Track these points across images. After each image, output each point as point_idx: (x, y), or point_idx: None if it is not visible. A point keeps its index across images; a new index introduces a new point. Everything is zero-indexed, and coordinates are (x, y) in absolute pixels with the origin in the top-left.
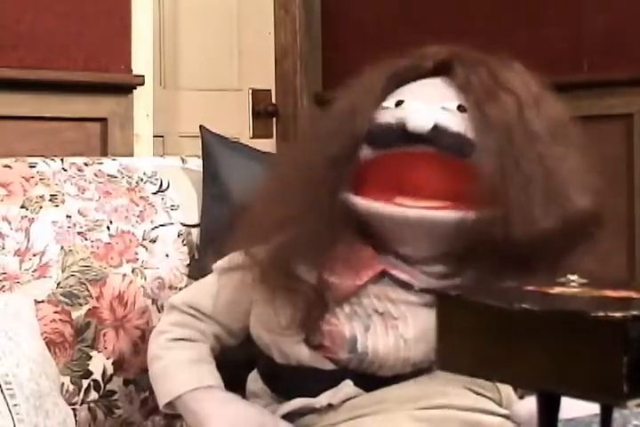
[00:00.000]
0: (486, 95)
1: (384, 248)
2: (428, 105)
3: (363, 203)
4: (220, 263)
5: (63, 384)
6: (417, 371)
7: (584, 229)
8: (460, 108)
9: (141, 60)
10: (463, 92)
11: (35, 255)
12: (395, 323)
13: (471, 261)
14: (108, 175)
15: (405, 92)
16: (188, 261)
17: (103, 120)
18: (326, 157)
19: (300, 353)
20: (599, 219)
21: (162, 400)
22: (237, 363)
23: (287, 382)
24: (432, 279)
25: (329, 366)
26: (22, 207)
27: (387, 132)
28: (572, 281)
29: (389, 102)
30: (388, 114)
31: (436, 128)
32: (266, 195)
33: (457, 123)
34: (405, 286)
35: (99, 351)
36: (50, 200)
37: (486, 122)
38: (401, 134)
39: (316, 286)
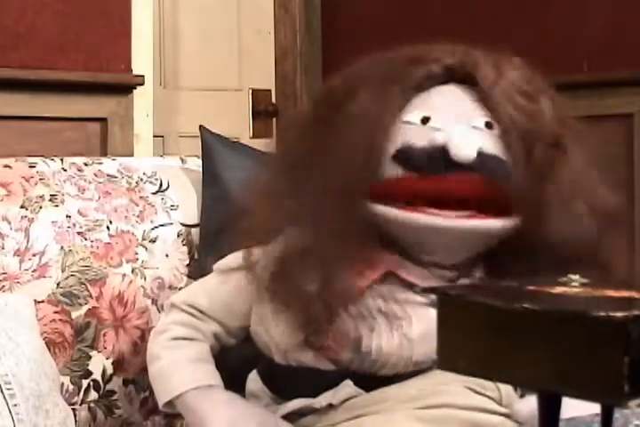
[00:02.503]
0: (514, 109)
1: (393, 248)
2: (465, 126)
3: (397, 214)
4: (220, 263)
5: (63, 384)
6: (418, 371)
7: (616, 225)
8: (489, 125)
9: (141, 60)
10: (487, 105)
11: (34, 255)
12: (399, 323)
13: (491, 267)
14: (108, 175)
15: (428, 106)
16: (188, 261)
17: (103, 120)
18: (343, 167)
19: (302, 354)
20: (623, 214)
21: (161, 399)
22: (237, 364)
23: (287, 382)
24: (442, 282)
25: (329, 366)
26: (22, 207)
27: (425, 156)
28: (573, 281)
29: (413, 117)
30: (417, 133)
31: (479, 155)
32: (270, 193)
33: (493, 144)
34: (410, 286)
35: (98, 351)
36: (50, 200)
37: (516, 140)
38: (442, 161)
39: (322, 287)
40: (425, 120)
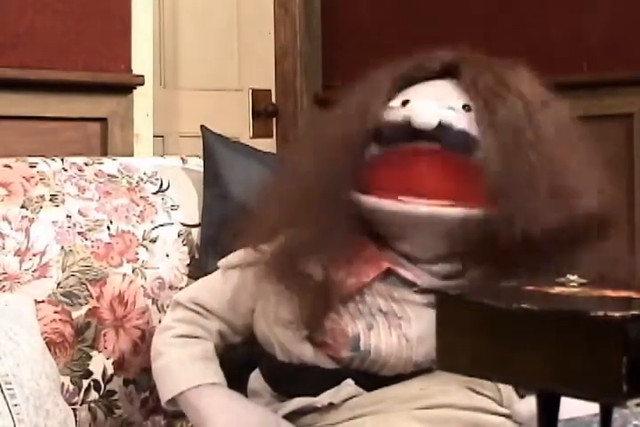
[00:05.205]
0: (493, 96)
1: (389, 247)
2: (433, 103)
3: (369, 201)
4: (225, 260)
5: (63, 384)
6: (418, 371)
7: (589, 229)
8: (466, 108)
9: (141, 60)
10: (469, 92)
11: (35, 255)
12: (398, 322)
13: (476, 261)
14: (109, 175)
15: (412, 93)
16: (188, 261)
17: (103, 120)
18: (332, 157)
19: (303, 351)
20: (605, 220)
21: (164, 397)
22: (239, 362)
23: (289, 380)
24: (436, 279)
25: (331, 364)
26: (22, 207)
27: (393, 129)
28: (572, 281)
29: (396, 102)
30: (394, 113)
31: (440, 125)
32: (273, 193)
33: (461, 120)
34: (410, 285)
35: (99, 351)
36: (50, 200)
37: (492, 120)
38: (407, 131)
39: (322, 282)
40: (405, 103)
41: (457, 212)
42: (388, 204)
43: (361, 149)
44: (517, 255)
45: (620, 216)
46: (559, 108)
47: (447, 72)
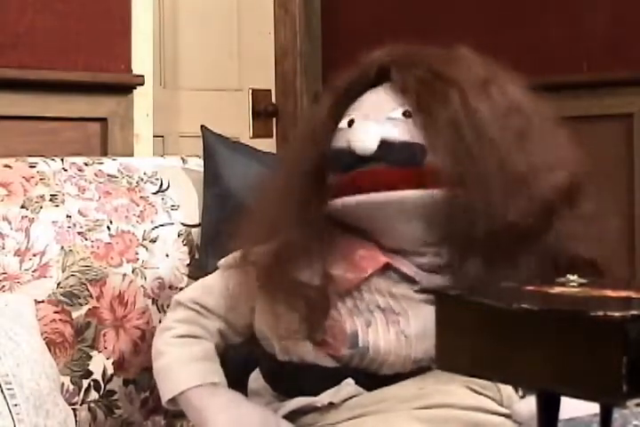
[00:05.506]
0: (426, 92)
1: (380, 246)
2: (373, 121)
3: (331, 203)
4: (224, 260)
5: (63, 384)
6: (418, 370)
7: (561, 204)
8: (406, 114)
9: (141, 60)
10: (405, 96)
11: (35, 255)
12: (396, 318)
13: (458, 249)
14: (109, 175)
15: (356, 108)
16: (188, 261)
17: (103, 120)
18: (300, 177)
19: (303, 349)
20: (575, 191)
21: (165, 396)
22: (239, 362)
23: (289, 380)
24: (426, 273)
25: (331, 363)
26: (22, 207)
27: (339, 156)
28: (572, 281)
29: (344, 122)
30: (342, 136)
31: (382, 144)
32: (266, 196)
33: (403, 131)
34: (407, 280)
35: (99, 351)
36: (50, 200)
37: (430, 120)
38: (352, 157)
39: (319, 284)
40: (350, 123)
41: (414, 193)
42: (344, 201)
43: (317, 175)
44: (496, 243)
45: (619, 215)
46: (505, 86)
47: (383, 77)
